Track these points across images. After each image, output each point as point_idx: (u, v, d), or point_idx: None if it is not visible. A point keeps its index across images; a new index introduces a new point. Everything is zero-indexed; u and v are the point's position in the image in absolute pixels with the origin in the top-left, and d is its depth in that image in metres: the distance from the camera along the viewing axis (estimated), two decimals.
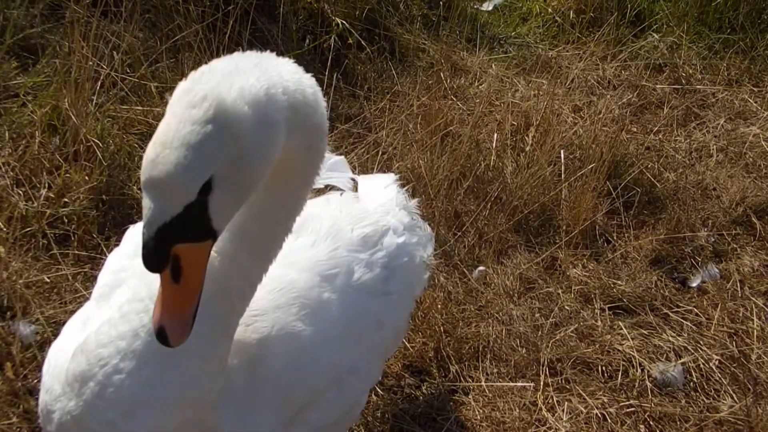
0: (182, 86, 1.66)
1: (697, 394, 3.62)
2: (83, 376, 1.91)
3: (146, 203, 1.61)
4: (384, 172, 4.35)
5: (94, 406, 1.89)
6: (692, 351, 3.78)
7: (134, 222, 3.73)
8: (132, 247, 2.44)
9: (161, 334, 1.70)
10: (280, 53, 3.98)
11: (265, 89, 1.68)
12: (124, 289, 2.21)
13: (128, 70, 4.36)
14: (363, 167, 4.44)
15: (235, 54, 1.79)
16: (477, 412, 3.40)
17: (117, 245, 3.60)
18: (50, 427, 2.01)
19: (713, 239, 4.51)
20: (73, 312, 3.27)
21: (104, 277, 2.40)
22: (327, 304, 2.31)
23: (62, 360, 2.05)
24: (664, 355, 3.76)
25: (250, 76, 1.69)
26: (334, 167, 3.05)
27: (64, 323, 3.23)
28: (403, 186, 4.16)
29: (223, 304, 1.93)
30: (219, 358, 1.98)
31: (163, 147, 1.59)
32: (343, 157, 3.19)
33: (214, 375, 1.97)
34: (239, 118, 1.62)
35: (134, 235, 2.51)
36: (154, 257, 1.63)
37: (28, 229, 3.58)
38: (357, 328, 2.39)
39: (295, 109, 1.76)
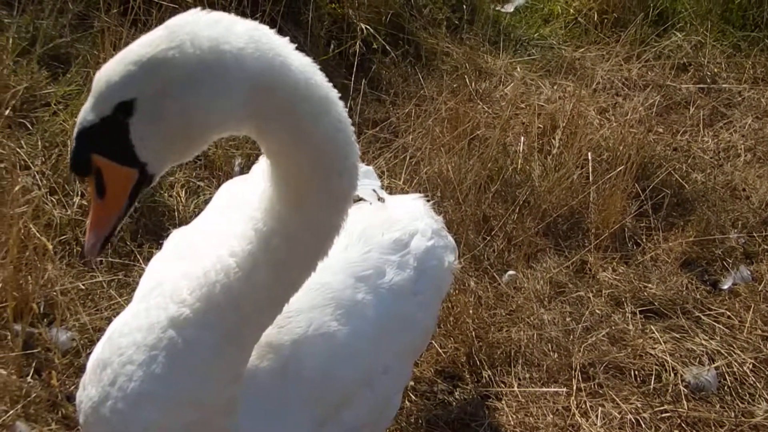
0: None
1: (732, 398, 3.60)
2: (104, 363, 1.96)
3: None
4: (412, 177, 4.37)
5: (107, 393, 1.93)
6: (726, 354, 3.76)
7: (166, 229, 3.79)
8: (170, 252, 2.50)
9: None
10: None
11: (231, 47, 1.67)
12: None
13: None
14: (391, 172, 4.45)
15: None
16: (510, 418, 3.40)
17: (150, 252, 3.68)
18: (81, 420, 2.06)
19: (743, 240, 4.49)
20: (107, 318, 3.33)
21: (145, 280, 2.45)
22: (361, 304, 2.34)
23: (99, 348, 2.12)
24: (697, 359, 3.74)
25: (227, 31, 1.68)
26: (362, 176, 3.07)
27: (99, 329, 3.30)
28: (431, 192, 4.21)
29: (233, 315, 1.93)
30: (229, 368, 1.98)
31: (118, 57, 1.66)
32: (371, 167, 3.22)
33: (223, 383, 1.97)
34: (182, 57, 1.63)
35: (174, 241, 2.59)
36: (72, 158, 1.69)
37: (63, 236, 3.61)
38: (389, 328, 2.42)
39: (260, 89, 1.71)
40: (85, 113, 1.67)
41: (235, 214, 2.52)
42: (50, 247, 3.46)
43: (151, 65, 1.63)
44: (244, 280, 1.91)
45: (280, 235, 1.88)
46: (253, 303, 1.94)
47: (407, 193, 4.14)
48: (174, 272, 2.21)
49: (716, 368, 3.69)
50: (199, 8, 1.71)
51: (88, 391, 2.01)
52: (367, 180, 3.06)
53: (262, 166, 2.73)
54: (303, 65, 1.75)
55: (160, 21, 4.35)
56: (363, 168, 3.06)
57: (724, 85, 5.87)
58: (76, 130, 1.68)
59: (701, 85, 5.85)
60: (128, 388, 1.90)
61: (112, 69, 1.65)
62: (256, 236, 1.90)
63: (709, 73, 5.95)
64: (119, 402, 1.91)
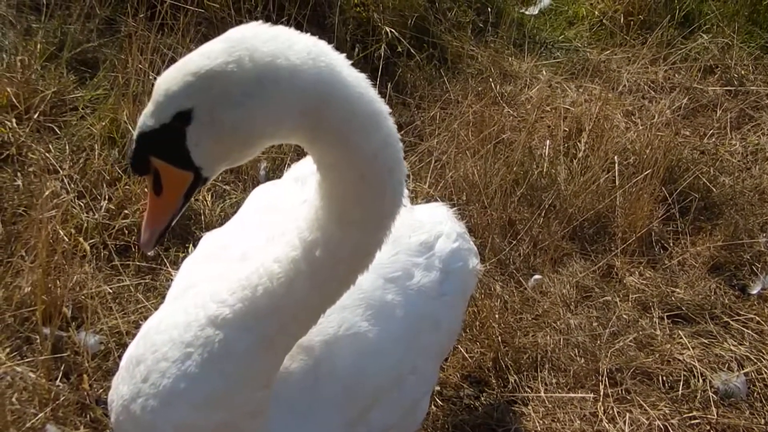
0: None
1: (762, 404, 3.56)
2: (137, 359, 2.00)
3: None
4: (437, 180, 4.37)
5: (139, 389, 1.96)
6: (755, 360, 3.73)
7: (192, 233, 3.81)
8: (203, 254, 2.54)
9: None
10: None
11: (289, 63, 1.68)
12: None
13: None
14: (416, 176, 4.45)
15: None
16: (537, 423, 3.38)
17: (177, 256, 3.70)
18: (112, 418, 2.09)
19: None
20: (135, 322, 3.35)
21: (178, 281, 2.48)
22: (390, 305, 2.36)
23: (133, 346, 2.15)
24: (726, 365, 3.71)
25: (286, 46, 1.69)
26: None
27: (127, 333, 3.33)
28: (456, 196, 4.20)
29: (272, 320, 1.94)
30: (262, 372, 1.99)
31: (178, 65, 1.70)
32: None
33: (254, 387, 1.98)
34: (240, 71, 1.65)
35: (207, 243, 2.62)
36: (131, 157, 1.75)
37: (91, 240, 3.64)
38: (418, 328, 2.44)
39: (314, 103, 1.72)
40: (145, 118, 1.70)
41: (267, 217, 2.55)
42: (87, 246, 3.49)
43: (209, 77, 1.65)
44: (286, 286, 1.92)
45: (322, 246, 1.88)
46: (292, 310, 1.95)
47: (433, 196, 4.15)
48: (208, 273, 2.27)
49: (745, 374, 3.66)
50: (259, 21, 1.74)
51: (120, 390, 2.03)
52: None
53: (297, 173, 2.74)
54: (357, 80, 1.77)
55: (187, 26, 4.41)
56: None
57: (751, 88, 5.82)
58: (136, 132, 1.72)
59: (728, 88, 5.80)
60: (161, 385, 1.93)
61: (171, 78, 1.67)
62: (301, 245, 1.90)
63: (736, 75, 5.90)
64: (151, 399, 1.94)
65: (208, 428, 1.96)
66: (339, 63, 1.75)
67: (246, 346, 1.92)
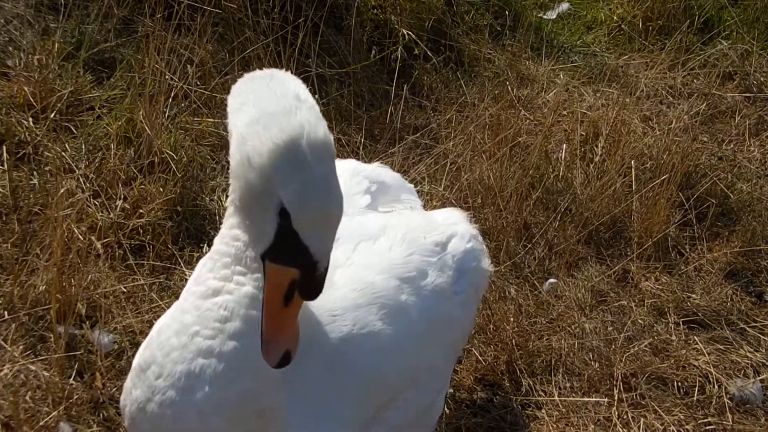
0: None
1: None
2: (146, 363, 2.00)
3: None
4: (452, 183, 4.35)
5: (154, 387, 1.95)
6: None
7: (207, 233, 3.81)
8: None
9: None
10: (347, 64, 3.99)
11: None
12: None
13: (199, 83, 4.42)
14: (431, 178, 4.44)
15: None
16: (551, 427, 3.37)
17: (191, 255, 3.70)
18: (127, 423, 2.09)
19: None
20: (149, 321, 3.36)
21: (190, 282, 2.47)
22: (405, 304, 2.38)
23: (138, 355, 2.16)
24: (742, 371, 3.69)
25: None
26: (410, 191, 3.19)
27: (141, 332, 3.33)
28: (471, 199, 4.19)
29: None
30: None
31: None
32: (412, 185, 3.26)
33: None
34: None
35: None
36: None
37: (106, 239, 3.64)
38: (432, 327, 2.46)
39: None
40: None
41: None
42: (99, 246, 3.50)
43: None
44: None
45: None
46: None
47: (448, 199, 4.14)
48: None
49: (761, 381, 3.63)
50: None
51: (133, 394, 2.03)
52: (413, 197, 3.16)
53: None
54: None
55: (204, 26, 4.42)
56: (408, 185, 3.14)
57: None
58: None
59: (747, 94, 5.76)
60: (176, 373, 1.93)
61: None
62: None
63: (755, 82, 5.86)
64: (169, 391, 1.93)
65: (234, 402, 1.94)
66: None
67: (244, 300, 1.94)
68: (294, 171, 1.67)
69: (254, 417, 1.99)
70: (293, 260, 1.74)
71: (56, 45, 4.26)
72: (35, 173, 3.82)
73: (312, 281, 1.76)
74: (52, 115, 4.01)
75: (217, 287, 1.96)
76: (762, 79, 5.89)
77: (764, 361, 3.73)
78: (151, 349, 2.01)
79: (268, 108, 1.74)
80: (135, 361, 2.12)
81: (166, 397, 1.93)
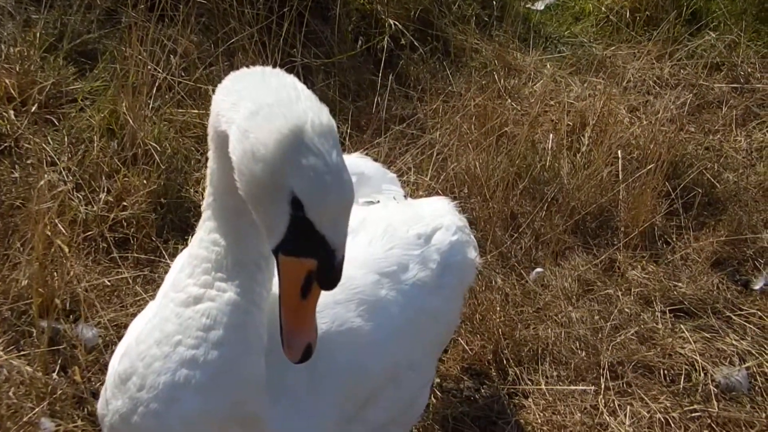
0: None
1: (763, 399, 3.53)
2: (126, 374, 1.94)
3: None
4: (439, 173, 4.34)
5: (137, 399, 1.91)
6: (757, 355, 3.70)
7: (191, 225, 3.79)
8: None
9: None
10: (333, 54, 3.98)
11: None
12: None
13: (183, 74, 4.39)
14: (417, 168, 4.42)
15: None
16: (537, 416, 3.36)
17: (175, 248, 3.68)
18: (104, 429, 2.05)
19: None
20: (133, 315, 3.33)
21: (169, 276, 2.45)
22: (385, 300, 2.33)
23: (116, 363, 2.09)
24: (728, 359, 3.68)
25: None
26: (392, 181, 3.14)
27: (125, 326, 3.30)
28: (458, 189, 4.17)
29: (245, 274, 1.94)
30: (253, 329, 1.96)
31: None
32: (395, 175, 3.24)
33: (252, 347, 1.96)
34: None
35: None
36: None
37: (89, 233, 3.62)
38: (414, 323, 2.41)
39: None
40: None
41: None
42: (66, 249, 3.45)
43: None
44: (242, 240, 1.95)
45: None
46: (252, 259, 1.96)
47: (434, 189, 4.13)
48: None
49: (747, 368, 3.63)
50: None
51: (113, 404, 1.98)
52: (394, 187, 3.10)
53: None
54: None
55: (188, 17, 4.38)
56: (389, 175, 3.09)
57: (757, 85, 5.78)
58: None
59: (734, 85, 5.76)
60: (159, 384, 1.88)
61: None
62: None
63: (742, 73, 5.86)
64: (152, 403, 1.89)
65: (219, 411, 1.91)
66: None
67: (227, 307, 1.91)
68: (303, 159, 1.64)
69: (239, 424, 1.97)
70: (310, 251, 1.71)
71: (38, 36, 4.23)
72: (17, 166, 3.79)
73: (331, 270, 1.73)
74: (33, 108, 3.98)
75: (198, 294, 1.93)
76: (749, 70, 5.89)
77: (750, 349, 3.73)
78: (131, 359, 1.95)
79: (267, 99, 1.70)
80: (112, 369, 2.07)
81: (149, 410, 1.89)
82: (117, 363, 2.03)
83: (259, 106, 1.69)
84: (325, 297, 2.19)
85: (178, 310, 1.93)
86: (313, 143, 1.65)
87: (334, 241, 1.70)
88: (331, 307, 2.22)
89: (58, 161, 3.84)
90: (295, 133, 1.64)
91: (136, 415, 1.91)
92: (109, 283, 3.51)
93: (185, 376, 1.87)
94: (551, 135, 4.75)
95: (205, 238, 1.96)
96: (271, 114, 1.67)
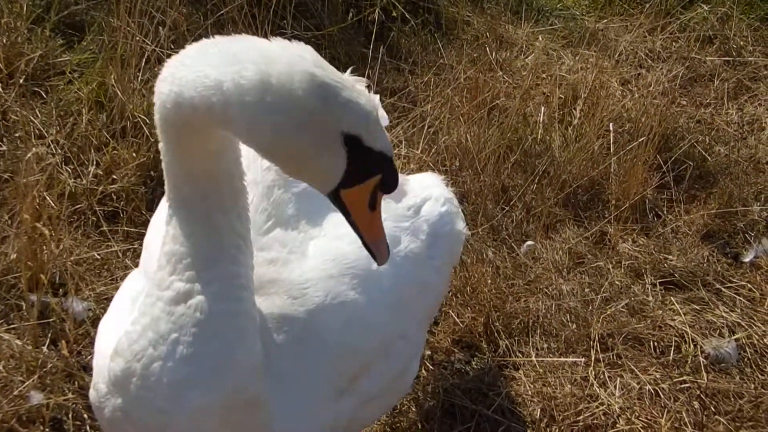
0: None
1: (752, 370, 3.56)
2: (124, 374, 1.93)
3: None
4: (430, 146, 4.33)
5: (141, 398, 1.91)
6: (746, 327, 3.72)
7: None
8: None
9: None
10: (323, 26, 3.93)
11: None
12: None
13: (172, 46, 4.35)
14: (409, 141, 4.41)
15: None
16: (528, 387, 3.37)
17: None
18: (103, 420, 2.06)
19: (766, 214, 4.41)
20: None
21: (148, 238, 2.48)
22: (377, 273, 2.32)
23: (104, 347, 2.09)
24: (717, 331, 3.70)
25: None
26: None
27: None
28: (449, 162, 4.16)
29: (226, 260, 1.93)
30: (245, 313, 1.96)
31: None
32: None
33: (248, 332, 1.96)
34: None
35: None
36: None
37: (78, 206, 3.60)
38: (405, 295, 2.43)
39: None
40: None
41: None
42: (46, 231, 3.42)
43: None
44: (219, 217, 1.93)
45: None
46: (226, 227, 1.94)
47: (425, 162, 4.11)
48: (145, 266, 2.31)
49: (736, 340, 3.65)
50: None
51: (111, 401, 1.98)
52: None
53: None
54: None
55: None
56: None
57: (749, 59, 5.77)
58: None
59: (726, 58, 5.75)
60: (163, 383, 1.88)
61: None
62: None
63: (734, 46, 5.85)
64: (157, 401, 1.89)
65: (224, 400, 1.92)
66: None
67: (216, 297, 1.90)
68: (338, 96, 1.66)
69: (243, 409, 1.97)
70: (374, 170, 1.76)
71: (25, 7, 4.18)
72: (4, 139, 3.76)
73: (395, 173, 1.80)
74: (21, 80, 3.94)
75: (186, 290, 1.91)
76: (741, 43, 5.88)
77: (739, 320, 3.74)
78: (126, 360, 1.93)
79: (270, 67, 1.65)
80: (103, 363, 2.05)
81: (155, 407, 1.90)
82: (110, 360, 2.00)
83: (266, 74, 1.64)
84: (317, 272, 2.24)
85: (169, 308, 1.91)
86: (330, 78, 1.66)
87: (389, 148, 1.76)
88: (324, 281, 2.23)
89: (46, 134, 3.81)
90: (316, 80, 1.64)
91: (140, 413, 1.93)
92: (98, 257, 3.50)
93: (187, 373, 1.88)
94: (543, 108, 4.74)
95: (178, 234, 1.93)
96: (288, 76, 1.64)
